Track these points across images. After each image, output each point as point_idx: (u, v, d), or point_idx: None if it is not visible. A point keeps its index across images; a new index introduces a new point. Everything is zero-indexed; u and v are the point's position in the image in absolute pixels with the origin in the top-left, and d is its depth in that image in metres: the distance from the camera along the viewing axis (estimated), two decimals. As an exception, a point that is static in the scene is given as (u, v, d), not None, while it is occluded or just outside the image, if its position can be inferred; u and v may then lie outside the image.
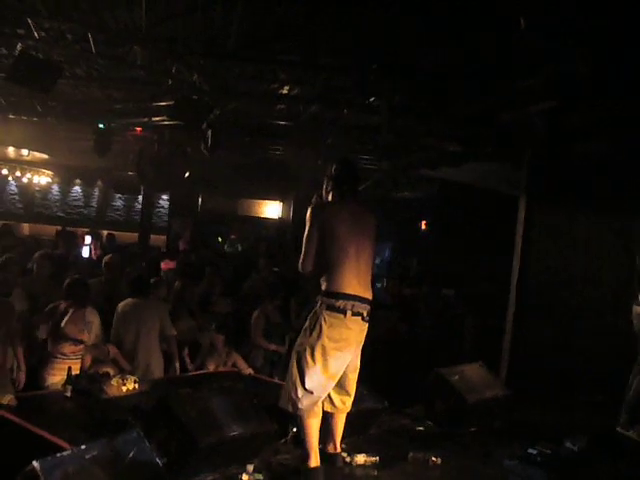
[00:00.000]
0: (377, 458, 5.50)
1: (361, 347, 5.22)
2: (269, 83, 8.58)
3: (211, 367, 7.86)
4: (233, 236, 20.17)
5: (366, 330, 5.17)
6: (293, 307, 10.18)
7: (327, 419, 5.24)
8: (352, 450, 5.56)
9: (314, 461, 5.04)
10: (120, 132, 11.91)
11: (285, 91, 8.79)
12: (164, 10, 6.46)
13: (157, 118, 10.08)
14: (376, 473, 5.35)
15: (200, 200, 21.08)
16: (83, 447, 3.84)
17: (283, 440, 5.63)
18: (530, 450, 5.96)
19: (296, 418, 5.11)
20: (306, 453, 5.05)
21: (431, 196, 15.23)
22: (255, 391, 6.14)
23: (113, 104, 10.16)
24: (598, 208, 8.37)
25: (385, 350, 8.75)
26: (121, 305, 7.77)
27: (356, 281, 5.06)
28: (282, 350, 9.03)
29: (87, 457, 3.78)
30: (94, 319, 7.25)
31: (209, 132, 9.43)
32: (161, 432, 4.66)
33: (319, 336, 4.96)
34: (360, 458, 5.45)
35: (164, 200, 22.60)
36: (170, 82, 8.45)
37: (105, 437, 4.09)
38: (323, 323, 4.97)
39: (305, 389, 4.95)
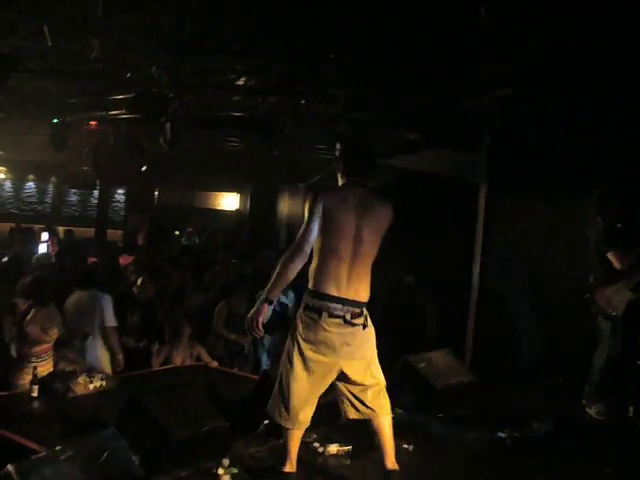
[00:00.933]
0: (349, 447, 5.51)
1: (361, 355, 4.75)
2: (226, 74, 8.53)
3: (177, 361, 7.83)
4: (190, 229, 20.08)
5: (360, 334, 4.69)
6: (256, 299, 10.15)
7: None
8: (324, 440, 5.58)
9: (289, 467, 4.86)
10: (75, 126, 11.75)
11: (242, 82, 8.74)
12: (120, 2, 6.38)
13: (114, 112, 9.95)
14: (349, 462, 5.37)
15: (157, 194, 20.93)
16: (58, 448, 3.80)
17: (254, 433, 5.62)
18: (499, 434, 6.05)
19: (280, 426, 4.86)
20: (283, 458, 4.87)
21: (389, 184, 15.27)
22: (223, 384, 6.14)
23: (68, 98, 10.01)
24: (556, 193, 8.47)
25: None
26: (68, 300, 7.71)
27: (345, 281, 4.61)
28: (243, 341, 9.04)
29: (62, 458, 3.74)
30: (57, 316, 7.17)
31: (168, 125, 9.36)
32: (134, 429, 4.62)
33: (294, 336, 4.70)
34: (333, 448, 5.46)
35: (120, 194, 22.41)
36: (128, 75, 8.35)
37: (78, 437, 4.06)
38: (299, 322, 4.69)
39: (288, 396, 4.70)
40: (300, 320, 4.69)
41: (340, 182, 4.84)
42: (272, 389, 5.07)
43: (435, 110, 8.60)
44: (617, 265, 6.58)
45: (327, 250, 4.61)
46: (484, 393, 7.25)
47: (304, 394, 4.71)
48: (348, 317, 4.61)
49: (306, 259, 4.63)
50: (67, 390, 6.21)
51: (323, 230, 4.58)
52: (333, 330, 4.61)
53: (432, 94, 8.13)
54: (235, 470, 4.84)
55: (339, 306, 4.60)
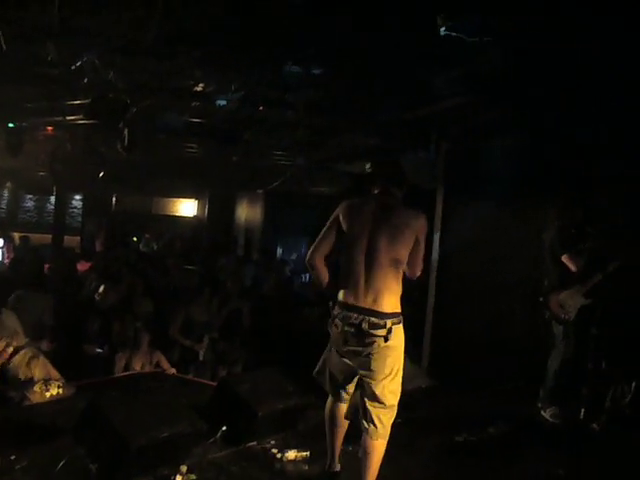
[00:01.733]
0: (307, 453, 5.55)
1: (377, 367, 4.72)
2: (184, 80, 8.50)
3: (137, 367, 7.79)
4: (148, 235, 19.97)
5: (382, 347, 4.65)
6: (214, 305, 10.16)
7: None
8: (282, 446, 5.60)
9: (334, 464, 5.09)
10: (32, 132, 11.62)
11: (200, 88, 8.72)
12: (77, 6, 6.32)
13: (72, 117, 9.85)
14: (307, 468, 5.40)
15: (115, 200, 20.78)
16: (13, 457, 3.76)
17: (212, 439, 5.61)
18: (456, 438, 6.11)
19: None
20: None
21: (347, 190, 15.33)
22: (181, 391, 6.12)
23: (24, 103, 9.89)
24: (512, 198, 8.56)
25: (309, 346, 8.78)
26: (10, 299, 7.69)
27: (363, 289, 4.64)
28: (198, 348, 9.04)
29: (17, 468, 3.71)
30: (12, 322, 7.08)
31: (125, 131, 9.29)
32: (92, 437, 4.59)
33: (330, 341, 4.92)
34: (291, 454, 5.49)
35: (77, 200, 22.16)
36: (85, 80, 8.28)
37: (33, 446, 4.02)
38: (329, 329, 4.86)
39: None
40: (329, 327, 4.84)
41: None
42: (230, 396, 5.15)
43: (393, 116, 8.66)
44: (572, 267, 6.68)
45: (346, 260, 4.73)
46: (442, 398, 7.32)
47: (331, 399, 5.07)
48: (365, 327, 4.60)
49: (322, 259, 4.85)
50: (23, 398, 6.14)
51: (343, 240, 4.74)
52: (349, 339, 4.68)
53: (390, 100, 8.17)
54: (193, 477, 4.86)
55: (354, 315, 4.63)
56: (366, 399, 4.76)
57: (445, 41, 5.83)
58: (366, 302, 4.62)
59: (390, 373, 4.75)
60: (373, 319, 4.60)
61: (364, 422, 4.78)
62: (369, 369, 4.70)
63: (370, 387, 4.73)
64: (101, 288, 8.87)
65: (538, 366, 7.08)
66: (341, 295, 4.72)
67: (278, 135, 10.92)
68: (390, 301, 4.68)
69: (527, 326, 8.05)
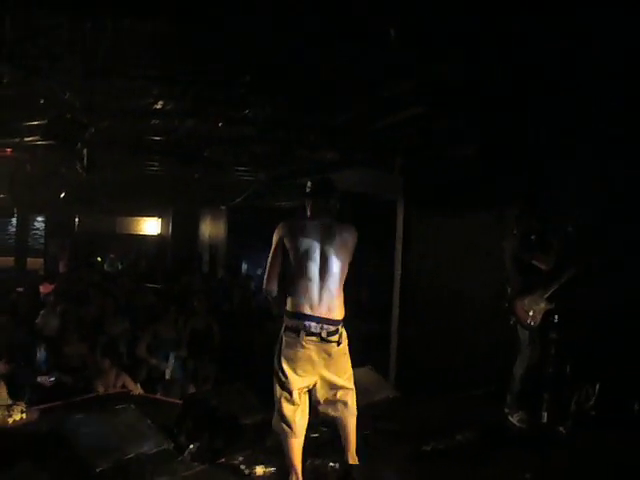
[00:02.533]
0: (275, 469, 5.52)
1: (338, 367, 5.10)
2: (142, 98, 8.48)
3: (100, 389, 7.73)
4: (112, 255, 19.86)
5: (336, 350, 5.02)
6: (181, 323, 10.13)
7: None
8: (250, 462, 5.58)
9: (296, 478, 5.08)
10: (-11, 154, 11.52)
11: (159, 106, 8.70)
12: (30, 27, 6.30)
13: (30, 138, 9.78)
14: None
15: (77, 220, 20.63)
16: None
17: (180, 458, 5.58)
18: (424, 447, 6.14)
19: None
20: (287, 471, 5.12)
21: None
22: (147, 410, 6.07)
23: (-19, 125, 9.82)
24: (472, 208, 8.63)
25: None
26: None
27: (317, 300, 4.97)
28: (164, 367, 9.01)
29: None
30: None
31: (84, 151, 9.24)
32: (55, 462, 4.55)
33: (279, 357, 5.04)
34: (259, 470, 5.47)
35: (39, 222, 21.97)
36: (42, 101, 8.23)
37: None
38: (283, 343, 5.02)
39: (281, 411, 5.07)
40: (282, 341, 5.02)
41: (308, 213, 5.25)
42: (197, 413, 5.16)
43: (351, 129, 8.70)
44: (543, 266, 6.78)
45: (298, 274, 5.00)
46: (410, 408, 7.34)
47: (289, 410, 5.05)
48: (324, 335, 4.96)
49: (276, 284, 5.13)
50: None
51: (289, 256, 5.01)
52: (311, 347, 4.96)
53: (348, 113, 8.22)
54: (160, 497, 4.82)
55: (314, 324, 4.95)
56: (334, 391, 5.15)
57: (399, 53, 5.91)
58: (321, 312, 4.97)
59: (347, 366, 5.21)
60: (330, 327, 4.98)
61: (340, 408, 5.19)
62: (330, 370, 5.06)
63: (335, 382, 5.11)
64: (59, 309, 8.79)
65: (503, 373, 7.14)
66: (294, 306, 4.99)
67: (238, 151, 10.93)
68: (340, 309, 5.08)
69: (492, 334, 8.11)
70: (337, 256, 5.04)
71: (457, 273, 8.70)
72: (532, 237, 6.89)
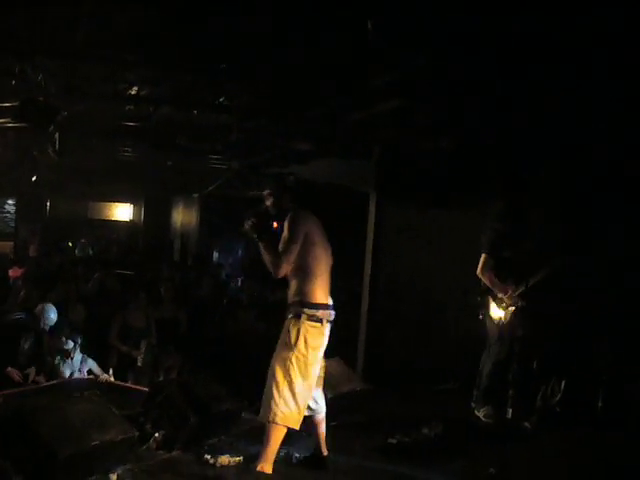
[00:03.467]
0: (240, 458, 5.53)
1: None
2: (117, 84, 8.40)
3: (65, 375, 7.67)
4: (83, 240, 19.71)
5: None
6: (151, 310, 10.08)
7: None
8: (215, 451, 5.57)
9: (269, 467, 5.14)
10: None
11: (134, 92, 8.63)
12: (3, 6, 6.21)
13: (1, 120, 9.66)
14: (240, 473, 5.37)
15: (49, 204, 20.45)
16: None
17: (145, 446, 5.56)
18: (390, 440, 6.16)
19: (268, 426, 5.13)
20: (265, 458, 5.13)
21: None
22: (113, 397, 6.05)
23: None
24: (447, 203, 8.65)
25: (244, 349, 8.78)
26: None
27: (327, 290, 5.29)
28: (136, 354, 8.96)
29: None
30: None
31: (57, 135, 9.14)
32: (17, 448, 4.50)
33: (305, 347, 5.11)
34: (224, 459, 5.46)
35: (10, 205, 21.74)
36: (14, 83, 8.13)
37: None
38: (307, 334, 5.11)
39: (294, 400, 5.08)
40: (307, 331, 5.13)
41: (286, 207, 5.37)
42: (163, 401, 5.17)
43: (326, 120, 8.68)
44: (478, 269, 6.84)
45: (314, 265, 5.20)
46: (377, 400, 7.36)
47: (303, 399, 5.15)
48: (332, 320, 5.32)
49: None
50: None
51: (308, 246, 5.18)
52: (326, 334, 5.27)
53: (323, 104, 8.19)
54: (124, 485, 4.80)
55: (331, 312, 5.29)
56: (320, 385, 5.49)
57: (376, 45, 5.89)
58: (330, 299, 5.31)
59: None
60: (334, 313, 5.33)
61: (322, 405, 5.52)
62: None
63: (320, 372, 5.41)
64: (22, 293, 8.70)
65: (471, 368, 7.17)
66: (314, 297, 5.17)
67: (212, 139, 10.87)
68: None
69: (461, 328, 8.15)
70: (330, 248, 5.43)
71: (428, 267, 8.72)
72: (503, 235, 6.92)
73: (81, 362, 7.85)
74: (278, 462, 5.29)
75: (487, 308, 6.93)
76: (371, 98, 7.45)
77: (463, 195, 8.44)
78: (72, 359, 7.80)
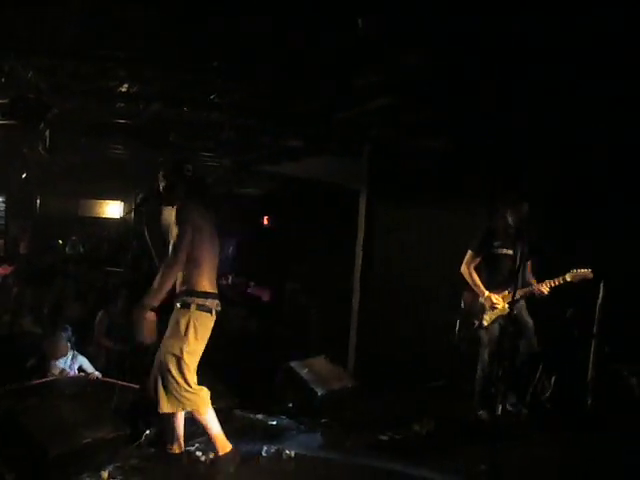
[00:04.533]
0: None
1: None
2: (108, 81, 8.38)
3: (56, 372, 7.65)
4: (74, 237, 19.66)
5: None
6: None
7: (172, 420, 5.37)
8: (206, 448, 5.58)
9: (226, 445, 5.35)
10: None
11: (124, 89, 8.61)
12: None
13: (-10, 117, 9.63)
14: (231, 470, 5.37)
15: (39, 201, 20.38)
16: None
17: (137, 443, 5.57)
18: (381, 437, 6.18)
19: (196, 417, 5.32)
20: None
21: (273, 192, 15.35)
22: (104, 395, 6.05)
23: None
24: (438, 201, 8.66)
25: (235, 347, 8.78)
26: None
27: (213, 279, 5.37)
28: (125, 350, 8.97)
29: None
30: None
31: (47, 132, 9.13)
32: (8, 446, 4.51)
33: (194, 337, 5.17)
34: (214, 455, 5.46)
35: (0, 202, 21.67)
36: (3, 80, 8.10)
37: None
38: (197, 324, 5.17)
39: (191, 387, 5.15)
40: (197, 320, 5.17)
41: (182, 197, 5.37)
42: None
43: (318, 117, 8.68)
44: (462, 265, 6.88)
45: (202, 255, 5.28)
46: (367, 397, 7.39)
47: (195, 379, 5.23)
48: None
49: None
50: None
51: (198, 237, 5.23)
52: (212, 325, 5.34)
53: (314, 101, 8.20)
54: (115, 482, 4.80)
55: (218, 302, 5.36)
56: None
57: (368, 41, 5.90)
58: (217, 289, 5.45)
59: None
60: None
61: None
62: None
63: None
64: (14, 290, 8.68)
65: (461, 365, 7.20)
66: (202, 285, 5.26)
67: (203, 136, 10.86)
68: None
69: (451, 326, 8.16)
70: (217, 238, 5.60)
71: (418, 265, 8.73)
72: (494, 233, 6.91)
73: (72, 359, 7.82)
74: (269, 459, 5.32)
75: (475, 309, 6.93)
76: (362, 96, 7.46)
77: (455, 193, 8.44)
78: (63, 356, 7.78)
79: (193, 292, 5.17)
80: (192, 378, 5.18)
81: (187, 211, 5.22)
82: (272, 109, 8.72)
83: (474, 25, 5.46)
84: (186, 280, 5.19)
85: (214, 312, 5.29)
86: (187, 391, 5.14)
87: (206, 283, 5.26)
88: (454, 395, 7.38)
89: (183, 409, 5.23)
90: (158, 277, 5.11)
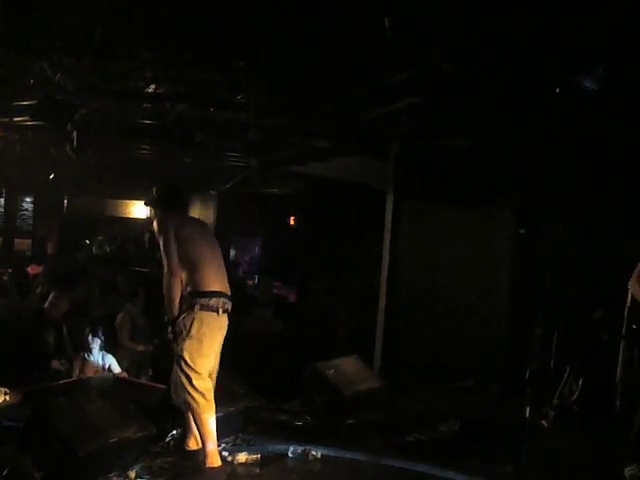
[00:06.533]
0: (258, 456, 5.54)
1: None
2: (135, 81, 8.42)
3: (89, 372, 7.71)
4: (101, 238, 19.78)
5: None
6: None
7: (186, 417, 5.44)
8: (233, 449, 5.59)
9: (216, 460, 5.24)
10: (-22, 134, 11.40)
11: (151, 90, 8.64)
12: (23, 4, 6.24)
13: (19, 118, 9.69)
14: (258, 471, 5.39)
15: (66, 202, 20.51)
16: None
17: (163, 443, 5.58)
18: (407, 438, 6.16)
19: (194, 419, 5.30)
20: (207, 453, 5.23)
21: (300, 192, 15.36)
22: (132, 394, 6.06)
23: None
24: (463, 200, 8.63)
25: (260, 347, 8.80)
26: None
27: (219, 278, 5.39)
28: (149, 350, 9.01)
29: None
30: None
31: (74, 133, 9.17)
32: (37, 445, 4.53)
33: (199, 336, 5.18)
34: (242, 457, 5.47)
35: (28, 202, 21.82)
36: (32, 81, 8.16)
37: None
38: (202, 324, 5.19)
39: (196, 390, 5.16)
40: (201, 320, 5.21)
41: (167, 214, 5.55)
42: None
43: (344, 117, 8.67)
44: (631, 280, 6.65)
45: (197, 255, 5.36)
46: (394, 398, 7.37)
47: (206, 388, 5.27)
48: (229, 310, 5.45)
49: None
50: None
51: (184, 241, 5.36)
52: (223, 325, 5.42)
53: (341, 101, 8.19)
54: (142, 482, 4.82)
55: (226, 300, 5.39)
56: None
57: (395, 42, 5.88)
58: (228, 289, 5.49)
59: None
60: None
61: None
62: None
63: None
64: (51, 295, 8.71)
65: (487, 366, 7.16)
66: (204, 284, 5.30)
67: (230, 136, 10.88)
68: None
69: (477, 326, 8.13)
70: (215, 240, 5.79)
71: (445, 265, 8.70)
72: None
73: (103, 358, 7.89)
74: (295, 460, 5.32)
75: None
76: (389, 95, 7.44)
77: (481, 193, 8.41)
78: (94, 356, 7.85)
79: (196, 293, 5.24)
80: (198, 379, 5.20)
81: (162, 222, 5.46)
82: (298, 109, 8.72)
83: (501, 25, 5.44)
84: (188, 282, 5.27)
85: (221, 311, 5.31)
86: (189, 393, 5.18)
87: (210, 283, 5.30)
88: (480, 395, 7.32)
89: (185, 410, 5.31)
90: (164, 289, 5.29)
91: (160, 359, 9.11)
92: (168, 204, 5.63)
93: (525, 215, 7.29)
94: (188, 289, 5.25)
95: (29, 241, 19.96)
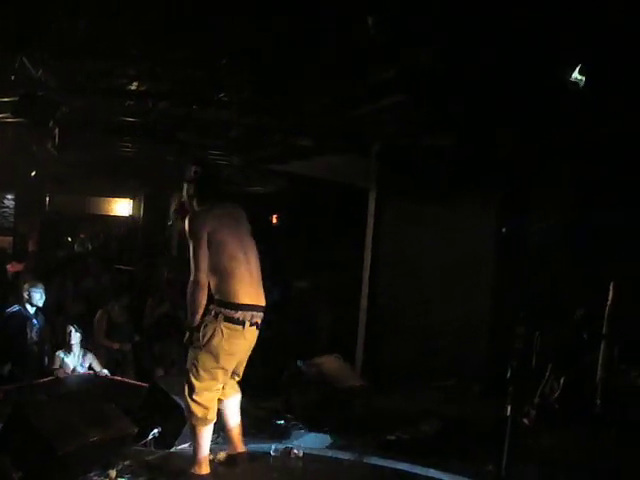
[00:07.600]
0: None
1: None
2: (117, 79, 8.39)
3: (69, 370, 7.67)
4: (82, 235, 19.69)
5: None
6: (149, 305, 10.08)
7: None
8: (214, 448, 5.56)
9: (204, 469, 5.05)
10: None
11: (134, 87, 8.62)
12: (4, 1, 6.20)
13: (0, 115, 9.63)
14: (240, 469, 5.36)
15: (48, 199, 20.41)
16: None
17: (144, 442, 5.56)
18: (388, 437, 6.16)
19: (190, 427, 5.08)
20: (196, 460, 5.03)
21: (283, 190, 15.35)
22: (112, 393, 6.05)
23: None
24: (447, 200, 8.64)
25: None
26: None
27: (252, 289, 4.97)
28: (126, 349, 8.99)
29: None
30: None
31: (56, 130, 9.12)
32: (17, 444, 4.50)
33: (216, 349, 4.87)
34: (223, 455, 5.45)
35: (9, 200, 21.68)
36: (13, 77, 8.10)
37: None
38: (222, 337, 4.85)
39: (195, 401, 4.93)
40: (221, 333, 4.85)
41: (196, 201, 5.09)
42: (162, 398, 5.14)
43: (327, 115, 8.67)
44: None
45: (227, 264, 4.91)
46: (375, 397, 7.37)
47: (208, 400, 4.99)
48: (259, 323, 5.04)
49: None
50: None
51: (215, 246, 4.87)
52: (249, 338, 5.04)
53: (324, 100, 8.19)
54: (123, 480, 4.80)
55: (255, 313, 4.99)
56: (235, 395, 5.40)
57: (377, 41, 5.88)
58: (260, 300, 5.10)
59: None
60: (263, 314, 5.12)
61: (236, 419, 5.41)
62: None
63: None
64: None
65: (469, 365, 7.18)
66: (233, 296, 4.91)
67: (212, 134, 10.85)
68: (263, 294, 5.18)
69: (460, 327, 8.15)
70: (252, 239, 5.26)
71: (427, 264, 8.71)
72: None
73: (83, 356, 7.86)
74: (277, 458, 5.31)
75: None
76: (372, 94, 7.45)
77: (464, 193, 8.42)
78: (74, 353, 7.81)
79: (222, 302, 4.86)
80: (201, 390, 4.93)
81: (197, 222, 4.90)
82: (281, 107, 8.71)
83: (487, 24, 5.44)
84: (217, 290, 4.90)
85: (247, 324, 4.90)
86: (188, 402, 4.97)
87: (240, 295, 4.88)
88: (461, 394, 7.34)
89: (188, 419, 5.08)
90: (187, 297, 4.89)
91: (142, 358, 9.12)
92: (207, 196, 5.07)
93: (507, 215, 7.29)
94: (216, 297, 4.89)
95: (10, 238, 19.83)
